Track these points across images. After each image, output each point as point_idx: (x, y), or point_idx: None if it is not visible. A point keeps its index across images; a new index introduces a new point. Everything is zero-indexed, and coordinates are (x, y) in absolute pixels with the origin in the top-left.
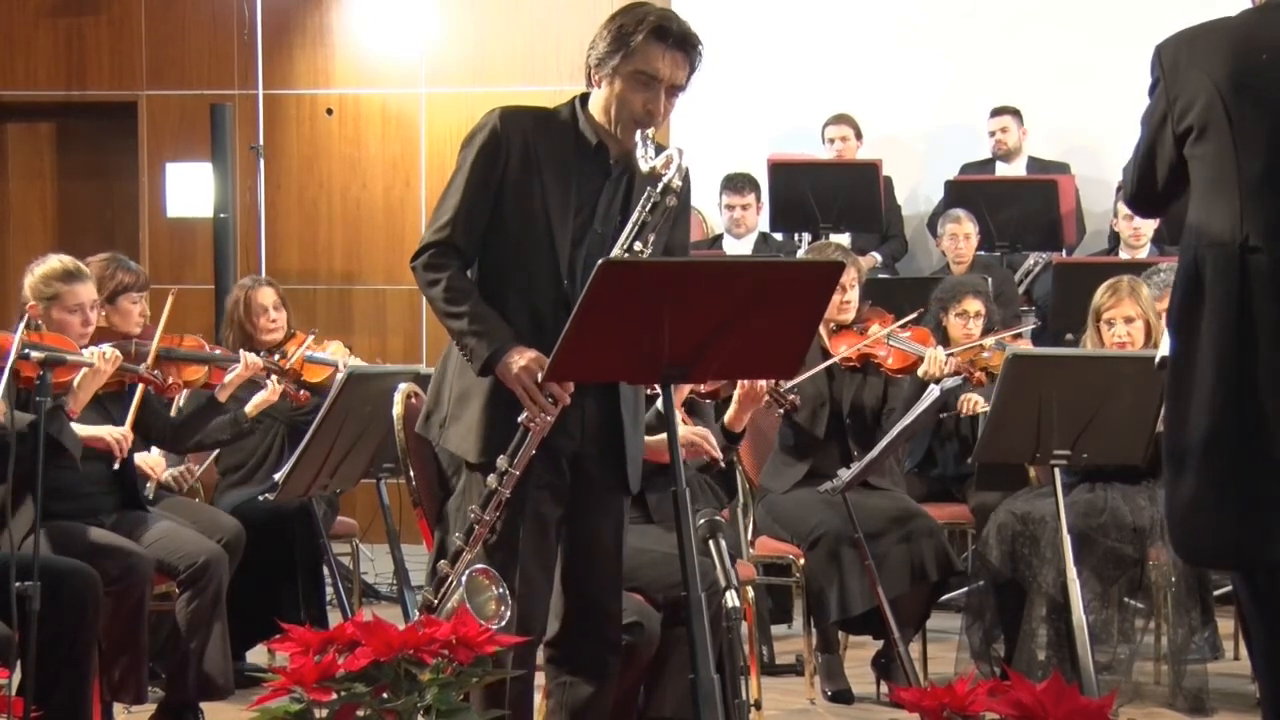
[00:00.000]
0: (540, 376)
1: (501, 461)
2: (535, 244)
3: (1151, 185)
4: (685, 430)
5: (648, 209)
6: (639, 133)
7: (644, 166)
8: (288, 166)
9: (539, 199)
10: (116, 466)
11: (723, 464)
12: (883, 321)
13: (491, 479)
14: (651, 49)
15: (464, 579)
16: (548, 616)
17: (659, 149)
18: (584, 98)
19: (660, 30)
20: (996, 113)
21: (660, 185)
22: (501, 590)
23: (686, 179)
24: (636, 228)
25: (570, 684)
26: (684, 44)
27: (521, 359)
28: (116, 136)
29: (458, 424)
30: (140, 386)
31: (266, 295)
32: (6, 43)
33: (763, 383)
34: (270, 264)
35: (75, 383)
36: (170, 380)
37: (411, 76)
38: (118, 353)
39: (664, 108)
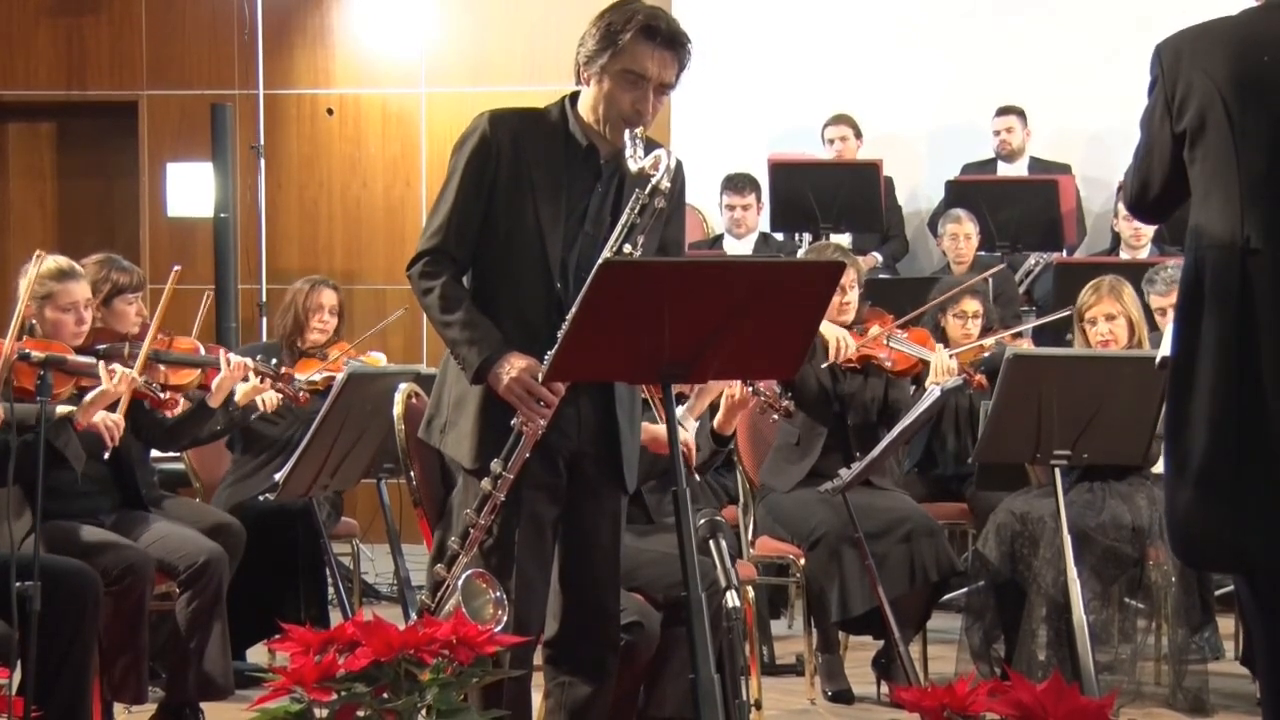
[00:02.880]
0: (532, 384)
1: (495, 465)
2: (527, 247)
3: (1151, 190)
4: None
5: (636, 211)
6: (627, 132)
7: (632, 167)
8: (288, 166)
9: (530, 202)
10: (107, 456)
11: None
12: (882, 322)
13: (485, 483)
14: (640, 48)
15: (460, 583)
16: (545, 616)
17: (649, 148)
18: (574, 96)
19: (648, 29)
20: (1002, 112)
21: (648, 187)
22: (498, 594)
23: (679, 176)
24: (625, 229)
25: (569, 684)
26: (672, 43)
27: (513, 369)
28: (117, 136)
29: (455, 429)
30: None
31: (328, 297)
32: (6, 43)
33: (750, 389)
34: (270, 264)
35: (88, 400)
36: (168, 395)
37: (411, 76)
38: (132, 374)
39: (652, 106)
